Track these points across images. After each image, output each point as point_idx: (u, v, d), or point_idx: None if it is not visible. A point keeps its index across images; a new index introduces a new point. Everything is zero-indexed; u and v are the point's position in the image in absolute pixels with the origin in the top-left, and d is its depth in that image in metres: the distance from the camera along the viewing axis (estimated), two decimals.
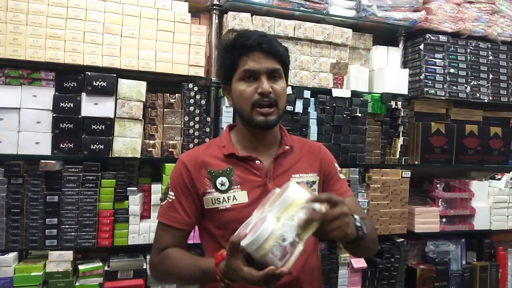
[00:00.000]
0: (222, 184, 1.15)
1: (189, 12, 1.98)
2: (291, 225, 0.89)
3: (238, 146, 1.21)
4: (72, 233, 1.79)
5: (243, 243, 0.89)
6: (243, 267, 0.89)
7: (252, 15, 2.03)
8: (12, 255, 1.73)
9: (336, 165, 1.31)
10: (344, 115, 2.14)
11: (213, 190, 1.15)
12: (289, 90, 2.02)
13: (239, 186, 1.15)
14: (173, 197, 1.17)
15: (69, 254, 1.78)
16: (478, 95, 2.43)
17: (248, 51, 1.12)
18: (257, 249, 0.87)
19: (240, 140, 1.22)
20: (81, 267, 1.81)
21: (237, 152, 1.18)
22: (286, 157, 1.22)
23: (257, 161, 1.17)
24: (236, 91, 1.15)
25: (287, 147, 1.22)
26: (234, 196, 1.14)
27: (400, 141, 2.28)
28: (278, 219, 0.90)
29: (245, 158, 1.17)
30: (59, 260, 1.77)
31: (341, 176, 1.30)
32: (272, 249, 0.87)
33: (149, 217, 1.93)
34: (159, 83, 2.06)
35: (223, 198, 1.14)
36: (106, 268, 1.84)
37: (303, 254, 0.97)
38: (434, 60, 2.35)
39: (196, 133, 1.97)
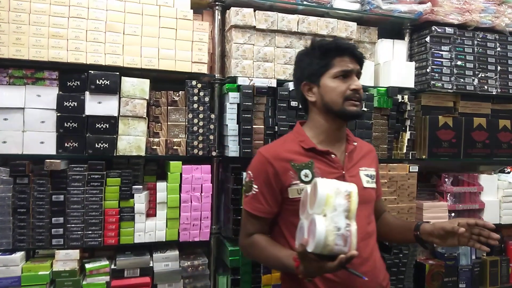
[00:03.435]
0: (306, 176, 1.30)
1: (191, 8, 1.96)
2: (336, 214, 1.03)
3: (315, 141, 1.36)
4: (78, 232, 1.80)
5: (309, 249, 1.03)
6: (322, 265, 1.04)
7: (255, 10, 2.01)
8: (19, 254, 1.74)
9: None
10: None
11: (298, 181, 1.30)
12: (293, 86, 2.00)
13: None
14: (257, 190, 1.34)
15: (75, 253, 1.78)
16: (486, 87, 2.40)
17: (342, 53, 1.32)
18: (323, 249, 1.01)
19: (316, 135, 1.38)
20: (88, 265, 1.81)
21: (316, 147, 1.34)
22: (355, 152, 1.41)
23: (332, 155, 1.34)
24: (328, 86, 1.32)
25: (355, 143, 1.42)
26: None
27: (407, 135, 2.25)
28: (325, 216, 1.03)
29: (323, 152, 1.34)
30: (66, 259, 1.77)
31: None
32: (334, 242, 1.01)
33: (155, 215, 1.93)
34: (163, 81, 2.05)
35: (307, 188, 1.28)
36: (112, 266, 1.84)
37: (371, 237, 1.34)
38: (440, 52, 2.31)
39: (201, 130, 1.96)
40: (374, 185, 1.42)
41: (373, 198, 1.41)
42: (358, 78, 1.36)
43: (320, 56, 1.35)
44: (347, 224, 1.03)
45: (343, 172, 1.34)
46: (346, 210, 1.04)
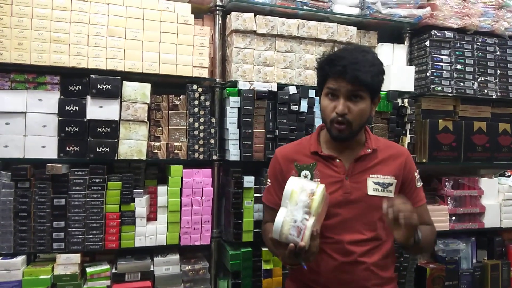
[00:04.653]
0: (305, 176, 1.35)
1: (192, 13, 1.98)
2: (296, 208, 1.16)
3: (325, 146, 1.40)
4: (79, 236, 1.80)
5: (270, 235, 1.18)
6: (281, 251, 1.17)
7: (255, 15, 2.02)
8: (21, 258, 1.74)
9: (417, 173, 1.46)
10: None
11: None
12: (293, 90, 2.02)
13: (318, 180, 1.34)
14: (270, 183, 1.46)
15: (76, 257, 1.78)
16: (486, 91, 2.40)
17: (334, 74, 1.26)
18: (279, 236, 1.15)
19: (327, 141, 1.40)
20: (88, 269, 1.81)
21: (320, 151, 1.38)
22: (367, 159, 1.37)
23: (337, 160, 1.36)
24: (321, 104, 1.34)
25: (369, 150, 1.37)
26: None
27: (407, 139, 2.26)
28: (287, 208, 1.17)
29: (327, 157, 1.37)
30: (67, 263, 1.78)
31: (418, 184, 1.46)
32: (289, 231, 1.14)
33: (156, 219, 1.93)
34: (164, 85, 2.06)
35: (315, 182, 1.30)
36: (113, 270, 1.84)
37: (370, 242, 1.32)
38: (440, 56, 2.32)
39: (201, 134, 1.97)
40: (385, 194, 1.34)
41: (380, 207, 1.24)
42: (361, 99, 1.26)
43: (319, 72, 1.35)
44: (304, 218, 1.14)
45: (345, 177, 1.34)
46: (306, 206, 1.15)
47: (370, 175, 1.36)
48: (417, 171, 1.47)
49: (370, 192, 1.34)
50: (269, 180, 1.47)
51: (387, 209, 1.17)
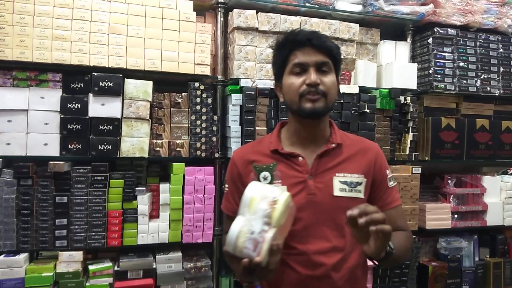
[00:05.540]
0: (265, 178, 1.21)
1: (194, 10, 1.97)
2: (255, 218, 0.99)
3: (287, 142, 1.26)
4: (82, 234, 1.80)
5: (224, 247, 1.02)
6: (236, 266, 1.01)
7: (257, 12, 2.01)
8: (23, 256, 1.75)
9: (388, 171, 1.30)
10: (352, 111, 2.12)
11: None
12: None
13: (280, 181, 1.19)
14: (227, 189, 1.31)
15: (79, 255, 1.79)
16: (488, 88, 2.39)
17: (298, 46, 1.16)
18: (233, 248, 0.99)
19: (289, 136, 1.26)
20: (91, 267, 1.81)
21: (280, 149, 1.23)
22: (332, 155, 1.22)
23: (299, 158, 1.21)
24: (286, 84, 1.19)
25: (333, 145, 1.23)
26: None
27: (410, 136, 2.25)
28: (244, 217, 1.01)
29: (288, 155, 1.22)
30: (69, 261, 1.78)
31: (391, 184, 1.29)
32: (244, 245, 0.97)
33: (158, 217, 1.93)
34: (166, 83, 2.05)
35: (279, 188, 1.17)
36: (116, 268, 1.84)
37: (339, 252, 1.16)
38: (443, 54, 2.31)
39: (203, 132, 1.96)
40: (353, 194, 1.19)
41: (348, 209, 1.04)
42: (330, 72, 1.18)
43: (279, 52, 1.22)
44: (263, 229, 0.98)
45: (308, 176, 1.19)
46: (266, 216, 0.99)
47: (337, 174, 1.20)
48: (389, 169, 1.31)
49: (337, 192, 1.18)
50: (226, 186, 1.32)
51: (356, 215, 0.95)
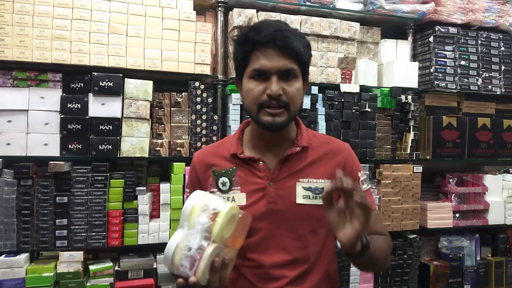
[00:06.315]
0: (224, 184, 1.11)
1: (194, 10, 1.97)
2: (193, 233, 0.90)
3: (248, 145, 1.15)
4: (82, 234, 1.80)
5: (162, 263, 0.92)
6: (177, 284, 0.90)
7: (257, 11, 2.01)
8: (24, 256, 1.74)
9: (360, 174, 1.17)
10: (353, 111, 2.11)
11: (216, 190, 1.11)
12: None
13: (239, 188, 1.10)
14: (188, 193, 1.17)
15: (79, 255, 1.79)
16: (490, 87, 2.39)
17: (260, 46, 1.01)
18: (170, 266, 0.90)
19: (251, 138, 1.16)
20: (91, 267, 1.81)
21: (239, 153, 1.12)
22: (296, 159, 1.11)
23: (260, 163, 1.10)
24: (244, 89, 1.06)
25: (298, 148, 1.12)
26: (233, 197, 1.10)
27: (411, 135, 2.24)
28: (183, 231, 0.91)
29: (247, 159, 1.11)
30: (70, 261, 1.78)
31: (364, 187, 1.18)
32: (181, 262, 0.88)
33: (158, 217, 1.93)
34: (166, 82, 2.05)
35: (224, 198, 1.08)
36: (116, 268, 1.84)
37: (301, 264, 1.06)
38: (444, 52, 2.30)
39: (204, 132, 1.96)
40: (318, 202, 1.07)
41: (312, 218, 1.08)
42: (295, 78, 1.04)
43: (240, 48, 1.07)
44: (201, 246, 0.88)
45: (269, 183, 1.09)
46: (206, 230, 0.89)
47: (300, 179, 1.09)
48: (362, 171, 1.19)
49: (299, 200, 1.08)
50: (187, 190, 1.21)
51: (350, 188, 0.87)
